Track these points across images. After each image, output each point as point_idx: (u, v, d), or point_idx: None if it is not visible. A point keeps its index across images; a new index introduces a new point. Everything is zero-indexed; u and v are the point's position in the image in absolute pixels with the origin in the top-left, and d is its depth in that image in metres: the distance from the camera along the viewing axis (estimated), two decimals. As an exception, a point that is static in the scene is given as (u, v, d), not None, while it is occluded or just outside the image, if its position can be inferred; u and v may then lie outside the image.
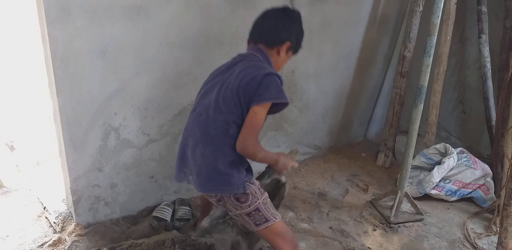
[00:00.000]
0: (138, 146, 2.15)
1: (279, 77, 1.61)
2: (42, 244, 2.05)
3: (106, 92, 1.94)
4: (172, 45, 2.03)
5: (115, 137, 2.05)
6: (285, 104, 1.61)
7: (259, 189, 1.67)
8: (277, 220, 1.66)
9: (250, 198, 1.62)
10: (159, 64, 2.03)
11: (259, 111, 1.56)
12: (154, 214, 2.23)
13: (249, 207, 1.63)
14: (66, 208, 2.22)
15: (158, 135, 2.20)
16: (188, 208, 2.34)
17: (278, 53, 1.71)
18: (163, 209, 2.26)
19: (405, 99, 3.02)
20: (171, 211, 2.29)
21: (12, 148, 2.72)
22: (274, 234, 1.68)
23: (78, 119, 1.92)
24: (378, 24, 2.96)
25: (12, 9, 2.50)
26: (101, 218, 2.17)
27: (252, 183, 1.66)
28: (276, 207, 1.84)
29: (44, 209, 2.28)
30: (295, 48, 1.77)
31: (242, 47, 1.87)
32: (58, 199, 2.29)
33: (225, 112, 1.57)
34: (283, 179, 1.91)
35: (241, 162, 1.64)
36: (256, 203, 1.63)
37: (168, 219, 2.23)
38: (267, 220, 1.65)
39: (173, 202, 2.38)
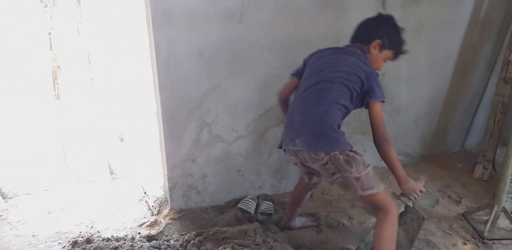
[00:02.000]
0: (228, 141, 2.32)
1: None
2: (141, 224, 2.31)
3: (201, 90, 2.14)
4: (262, 48, 2.17)
5: (207, 131, 2.25)
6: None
7: (364, 162, 1.72)
8: (378, 191, 1.71)
9: (355, 166, 1.68)
10: (249, 66, 2.19)
11: (379, 106, 1.79)
12: (239, 205, 2.38)
13: (355, 173, 1.69)
14: (163, 194, 2.47)
15: (246, 132, 2.34)
16: (271, 203, 2.44)
17: (370, 50, 1.87)
18: (248, 202, 2.40)
19: (508, 108, 2.80)
20: (255, 204, 2.42)
21: (122, 140, 3.09)
22: (377, 201, 1.73)
23: (177, 115, 2.14)
24: (480, 27, 2.80)
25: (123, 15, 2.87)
26: (192, 205, 2.38)
27: (358, 154, 1.72)
28: (414, 235, 1.94)
29: (145, 193, 2.57)
30: (390, 48, 1.89)
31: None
32: (157, 185, 2.56)
33: (349, 79, 1.73)
34: (410, 203, 1.92)
35: (343, 132, 1.74)
36: (361, 173, 1.69)
37: (252, 211, 2.35)
38: (373, 187, 1.71)
39: (258, 196, 2.50)
